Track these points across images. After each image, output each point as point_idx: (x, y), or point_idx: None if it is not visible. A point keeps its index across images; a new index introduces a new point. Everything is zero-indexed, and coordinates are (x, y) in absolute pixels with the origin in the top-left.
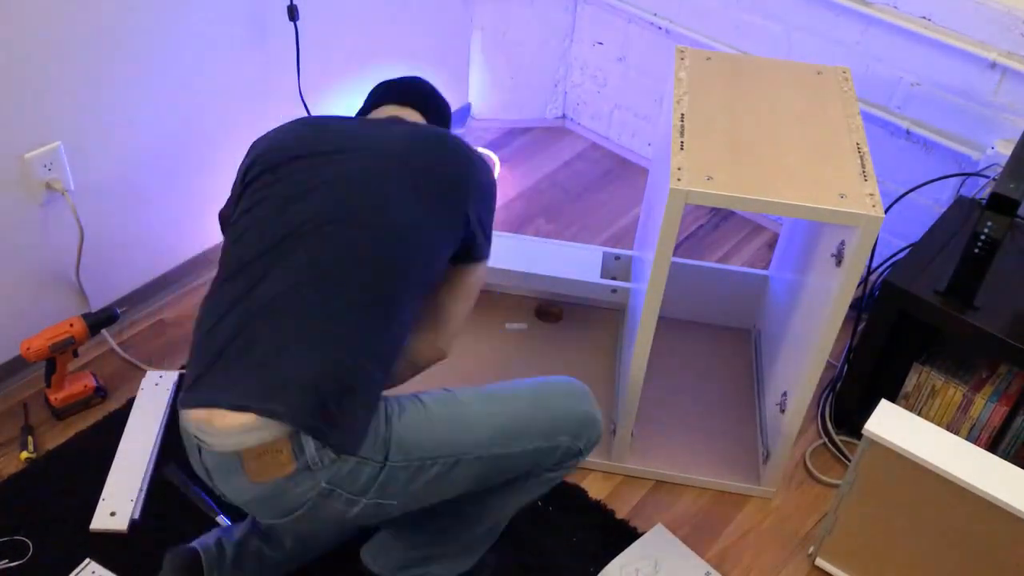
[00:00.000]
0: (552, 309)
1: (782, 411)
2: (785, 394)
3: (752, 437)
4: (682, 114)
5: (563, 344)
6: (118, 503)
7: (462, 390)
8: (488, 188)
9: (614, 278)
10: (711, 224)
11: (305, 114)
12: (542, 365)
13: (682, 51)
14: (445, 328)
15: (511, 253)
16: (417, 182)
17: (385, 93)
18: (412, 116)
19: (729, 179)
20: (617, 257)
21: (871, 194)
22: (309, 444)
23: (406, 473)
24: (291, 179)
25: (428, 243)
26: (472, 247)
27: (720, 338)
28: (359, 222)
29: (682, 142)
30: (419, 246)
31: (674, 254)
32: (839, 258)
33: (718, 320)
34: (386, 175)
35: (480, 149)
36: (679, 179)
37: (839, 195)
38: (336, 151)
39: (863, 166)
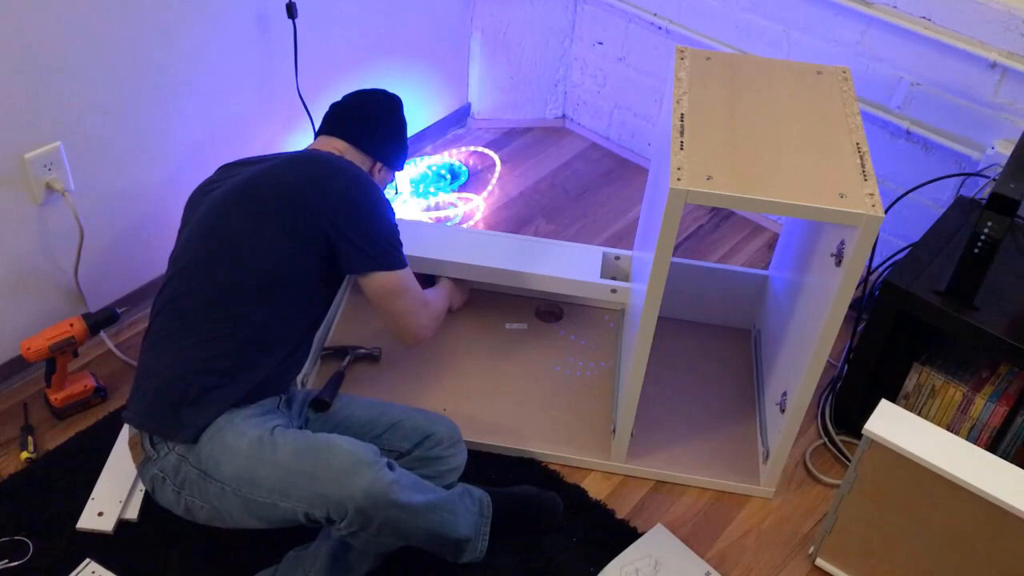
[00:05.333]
0: (552, 309)
1: (782, 411)
2: (785, 394)
3: (752, 437)
4: (682, 114)
5: (563, 344)
6: (106, 504)
7: (293, 434)
8: (349, 197)
9: (614, 278)
10: (711, 224)
11: (305, 114)
12: (542, 365)
13: (682, 51)
14: (398, 324)
15: (511, 253)
16: (249, 204)
17: (323, 123)
18: (336, 146)
19: (729, 179)
20: (617, 257)
21: (871, 194)
22: (145, 438)
23: (202, 483)
24: (191, 220)
25: (264, 257)
26: (343, 257)
27: (720, 338)
28: (204, 252)
29: (682, 142)
30: (254, 262)
31: (674, 254)
32: (839, 258)
33: (718, 320)
34: (223, 203)
35: (480, 149)
36: (679, 179)
37: (839, 195)
38: (207, 193)
39: (863, 166)
